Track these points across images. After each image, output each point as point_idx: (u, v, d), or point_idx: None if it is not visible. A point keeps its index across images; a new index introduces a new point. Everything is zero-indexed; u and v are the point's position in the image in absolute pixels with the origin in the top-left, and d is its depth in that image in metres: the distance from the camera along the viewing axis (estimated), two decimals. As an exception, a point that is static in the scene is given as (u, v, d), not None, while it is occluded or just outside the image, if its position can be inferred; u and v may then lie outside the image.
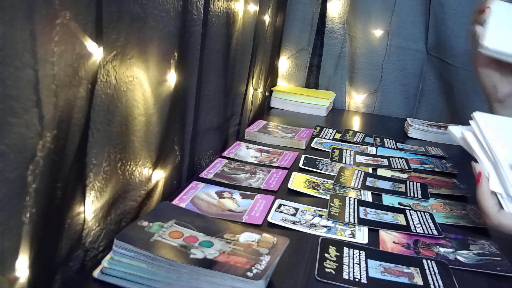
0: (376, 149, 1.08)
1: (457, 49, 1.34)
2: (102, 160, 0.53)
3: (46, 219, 0.42)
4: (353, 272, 0.55)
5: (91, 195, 0.52)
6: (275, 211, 0.69)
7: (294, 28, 1.49)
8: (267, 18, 1.19)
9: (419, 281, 0.55)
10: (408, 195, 0.81)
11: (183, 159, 0.78)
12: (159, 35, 0.60)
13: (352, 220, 0.69)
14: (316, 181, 0.83)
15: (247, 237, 0.52)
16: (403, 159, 1.00)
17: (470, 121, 0.68)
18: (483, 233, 0.70)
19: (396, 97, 1.49)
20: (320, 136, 1.15)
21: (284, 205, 0.72)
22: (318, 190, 0.79)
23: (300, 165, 0.90)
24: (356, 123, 1.41)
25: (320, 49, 1.53)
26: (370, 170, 0.93)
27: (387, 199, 0.79)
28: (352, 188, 0.82)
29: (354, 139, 1.14)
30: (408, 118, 1.34)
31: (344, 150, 1.03)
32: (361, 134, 1.19)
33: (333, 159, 0.97)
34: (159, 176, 0.69)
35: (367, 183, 0.84)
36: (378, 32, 1.45)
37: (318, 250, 0.60)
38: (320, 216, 0.70)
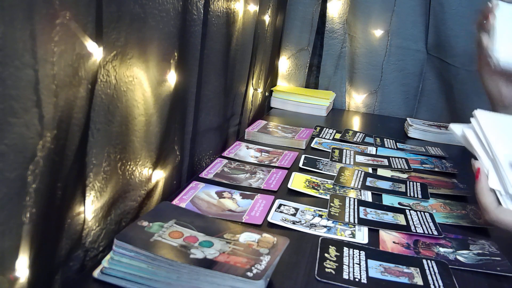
0: (376, 149, 1.08)
1: (457, 49, 1.34)
2: (102, 160, 0.53)
3: (46, 219, 0.42)
4: (353, 272, 0.55)
5: (91, 195, 0.52)
6: (275, 211, 0.69)
7: (294, 28, 1.49)
8: (267, 18, 1.19)
9: (419, 281, 0.55)
10: (408, 195, 0.81)
11: (183, 159, 0.78)
12: (159, 35, 0.60)
13: (352, 220, 0.69)
14: (316, 181, 0.83)
15: (247, 237, 0.52)
16: (403, 159, 1.00)
17: (471, 119, 0.68)
18: (483, 233, 0.70)
19: (396, 97, 1.49)
20: (320, 136, 1.15)
21: (284, 205, 0.72)
22: (318, 190, 0.79)
23: (300, 165, 0.90)
24: (356, 123, 1.41)
25: (320, 49, 1.53)
26: (370, 170, 0.93)
27: (387, 199, 0.79)
28: (352, 188, 0.82)
29: (354, 139, 1.14)
30: (408, 118, 1.34)
31: (344, 150, 1.03)
32: (361, 134, 1.19)
33: (333, 159, 0.97)
34: (159, 176, 0.69)
35: (367, 183, 0.84)
36: (378, 32, 1.45)
37: (318, 250, 0.60)
38: (320, 216, 0.70)
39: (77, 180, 0.49)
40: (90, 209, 0.52)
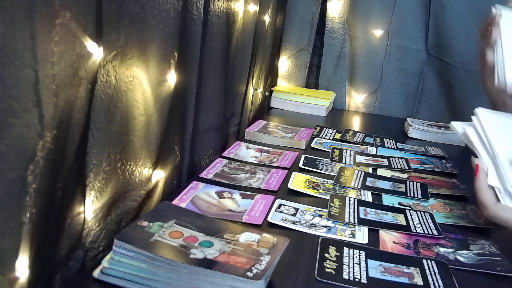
0: (376, 149, 1.08)
1: (457, 49, 1.34)
2: (102, 160, 0.53)
3: (46, 219, 0.42)
4: (353, 272, 0.55)
5: (91, 195, 0.52)
6: (275, 211, 0.69)
7: (294, 28, 1.49)
8: (267, 18, 1.19)
9: (419, 281, 0.55)
10: (408, 195, 0.81)
11: (183, 159, 0.78)
12: (159, 35, 0.60)
13: (352, 220, 0.69)
14: (316, 181, 0.83)
15: (247, 237, 0.52)
16: (403, 159, 1.00)
17: (472, 117, 0.68)
18: (483, 233, 0.70)
19: (396, 97, 1.49)
20: (320, 136, 1.15)
21: (284, 205, 0.72)
22: (318, 190, 0.79)
23: (300, 165, 0.90)
24: (356, 123, 1.41)
25: (320, 49, 1.53)
26: (370, 170, 0.93)
27: (387, 199, 0.79)
28: (352, 188, 0.82)
29: (354, 139, 1.14)
30: (408, 118, 1.34)
31: (344, 150, 1.03)
32: (361, 134, 1.19)
33: (333, 159, 0.97)
34: (159, 176, 0.69)
35: (367, 183, 0.84)
36: (378, 32, 1.45)
37: (318, 250, 0.60)
38: (320, 216, 0.70)
39: (77, 180, 0.49)
40: (90, 209, 0.52)
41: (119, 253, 0.47)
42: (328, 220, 0.68)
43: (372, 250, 0.61)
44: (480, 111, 0.68)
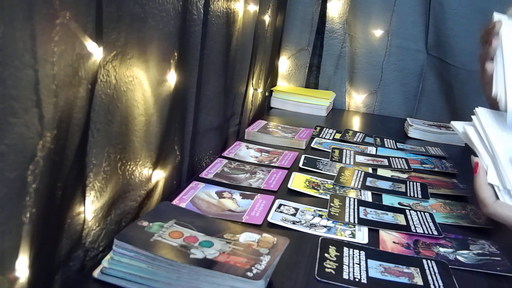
0: (376, 149, 1.08)
1: (457, 49, 1.35)
2: (102, 160, 0.53)
3: (46, 219, 0.42)
4: (353, 272, 0.55)
5: (91, 195, 0.52)
6: (275, 211, 0.69)
7: (294, 28, 1.49)
8: (267, 18, 1.19)
9: (419, 281, 0.55)
10: (408, 195, 0.81)
11: (183, 159, 0.78)
12: (159, 35, 0.60)
13: (352, 220, 0.69)
14: (316, 181, 0.83)
15: (247, 237, 0.52)
16: (403, 159, 1.00)
17: (472, 116, 0.69)
18: (483, 233, 0.70)
19: (396, 97, 1.49)
20: (320, 136, 1.15)
21: (284, 205, 0.72)
22: (318, 190, 0.79)
23: (300, 165, 0.90)
24: (356, 123, 1.41)
25: (320, 49, 1.53)
26: (370, 170, 0.93)
27: (387, 199, 0.79)
28: (352, 188, 0.82)
29: (354, 139, 1.14)
30: (408, 118, 1.34)
31: (344, 150, 1.03)
32: (361, 134, 1.19)
33: (333, 159, 0.97)
34: (159, 176, 0.69)
35: (367, 183, 0.84)
36: (378, 32, 1.45)
37: (318, 250, 0.60)
38: (320, 216, 0.70)
39: (77, 180, 0.49)
40: (90, 209, 0.52)
41: (119, 253, 0.47)
42: (328, 220, 0.68)
43: (372, 250, 0.61)
44: (480, 111, 0.68)
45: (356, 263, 0.57)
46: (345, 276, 0.54)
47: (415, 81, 1.47)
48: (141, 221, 0.52)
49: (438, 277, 0.56)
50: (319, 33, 1.51)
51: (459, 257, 0.62)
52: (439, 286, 0.54)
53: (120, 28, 0.51)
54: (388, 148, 1.10)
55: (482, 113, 0.68)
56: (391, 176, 0.91)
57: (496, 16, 0.70)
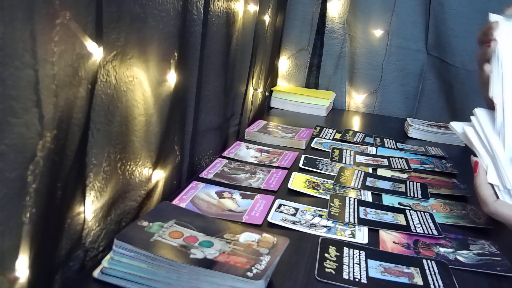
0: (376, 149, 1.08)
1: (457, 49, 1.34)
2: (102, 160, 0.53)
3: (46, 219, 0.42)
4: (353, 272, 0.55)
5: (91, 195, 0.52)
6: (275, 211, 0.69)
7: (294, 28, 1.49)
8: (267, 18, 1.19)
9: (419, 281, 0.55)
10: (408, 195, 0.81)
11: (183, 159, 0.78)
12: (159, 35, 0.60)
13: (352, 220, 0.69)
14: (316, 181, 0.83)
15: (247, 237, 0.52)
16: (403, 159, 1.00)
17: (471, 117, 0.69)
18: (483, 233, 0.70)
19: (396, 97, 1.49)
20: (320, 136, 1.15)
21: (284, 205, 0.72)
22: (318, 190, 0.79)
23: (300, 165, 0.90)
24: (356, 123, 1.41)
25: (320, 49, 1.53)
26: (370, 170, 0.93)
27: (387, 199, 0.79)
28: (352, 188, 0.82)
29: (354, 139, 1.14)
30: (408, 118, 1.34)
31: (344, 150, 1.03)
32: (361, 134, 1.19)
33: (333, 159, 0.97)
34: (159, 176, 0.69)
35: (367, 183, 0.84)
36: (378, 32, 1.45)
37: (318, 250, 0.60)
38: (320, 216, 0.70)
39: (77, 180, 0.49)
40: (90, 209, 0.52)
41: (119, 253, 0.47)
42: (328, 220, 0.68)
43: (372, 250, 0.61)
44: (479, 112, 0.68)
45: (356, 263, 0.57)
46: (345, 276, 0.54)
47: (415, 81, 1.47)
48: (141, 221, 0.52)
49: (438, 277, 0.56)
50: (319, 33, 1.51)
51: (459, 257, 0.62)
52: (439, 286, 0.54)
53: (120, 28, 0.51)
54: (388, 148, 1.10)
55: (481, 114, 0.68)
56: (391, 176, 0.91)
57: (493, 17, 0.70)
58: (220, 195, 0.73)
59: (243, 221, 0.66)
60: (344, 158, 0.97)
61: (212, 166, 0.85)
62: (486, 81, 0.69)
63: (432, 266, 0.58)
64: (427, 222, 0.70)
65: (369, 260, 0.58)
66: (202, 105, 0.84)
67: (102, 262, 0.49)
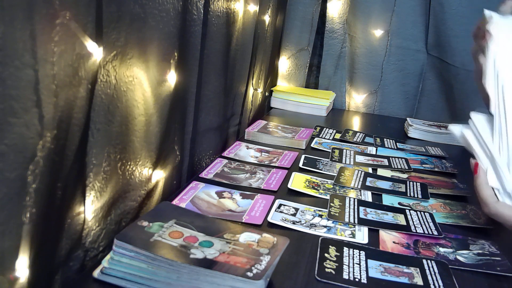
0: (376, 149, 1.08)
1: (457, 49, 1.34)
2: (102, 160, 0.53)
3: (46, 219, 0.42)
4: (353, 272, 0.55)
5: (91, 195, 0.52)
6: (275, 211, 0.69)
7: (294, 28, 1.49)
8: (267, 18, 1.19)
9: (419, 281, 0.55)
10: (408, 195, 0.81)
11: (183, 159, 0.78)
12: (159, 35, 0.60)
13: (352, 220, 0.69)
14: (316, 181, 0.83)
15: (247, 237, 0.52)
16: (403, 159, 1.00)
17: (469, 120, 0.69)
18: (483, 233, 0.70)
19: (396, 97, 1.49)
20: (320, 136, 1.15)
21: (284, 205, 0.72)
22: (318, 190, 0.79)
23: (300, 165, 0.90)
24: (356, 123, 1.41)
25: (320, 49, 1.53)
26: (370, 170, 0.93)
27: (387, 199, 0.79)
28: (352, 188, 0.82)
29: (354, 139, 1.14)
30: (408, 118, 1.34)
31: (344, 150, 1.03)
32: (361, 134, 1.19)
33: (333, 159, 0.97)
34: (159, 176, 0.69)
35: (367, 183, 0.84)
36: (378, 32, 1.45)
37: (318, 250, 0.60)
38: (320, 216, 0.70)
39: (77, 180, 0.49)
40: (90, 209, 0.52)
41: (119, 253, 0.47)
42: (328, 220, 0.68)
43: (372, 250, 0.61)
44: (475, 117, 0.68)
45: (356, 263, 0.57)
46: (345, 276, 0.54)
47: (415, 81, 1.47)
48: (141, 221, 0.52)
49: (438, 277, 0.56)
50: (319, 33, 1.51)
51: (459, 257, 0.62)
52: (439, 286, 0.54)
53: (120, 28, 0.51)
54: (388, 148, 1.10)
55: (477, 119, 0.68)
56: (391, 176, 0.91)
57: (487, 13, 0.71)
58: (220, 195, 0.73)
59: (243, 221, 0.66)
60: (344, 158, 0.97)
61: (212, 166, 0.85)
62: (481, 75, 0.70)
63: (432, 266, 0.58)
64: (427, 222, 0.70)
65: (369, 260, 0.58)
66: (202, 105, 0.84)
67: (102, 262, 0.49)
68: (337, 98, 1.54)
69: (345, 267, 0.56)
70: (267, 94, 1.41)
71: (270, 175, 0.84)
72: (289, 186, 0.79)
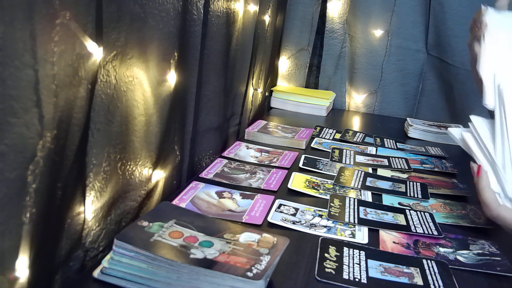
0: (376, 149, 1.08)
1: (457, 49, 1.34)
2: (102, 160, 0.53)
3: (46, 219, 0.42)
4: (353, 272, 0.55)
5: (91, 195, 0.52)
6: (275, 211, 0.69)
7: (294, 28, 1.49)
8: (267, 18, 1.19)
9: (419, 281, 0.55)
10: (408, 195, 0.81)
11: (183, 159, 0.78)
12: (159, 35, 0.60)
13: (352, 220, 0.69)
14: (316, 181, 0.83)
15: (247, 237, 0.52)
16: (403, 159, 1.00)
17: (469, 123, 0.69)
18: (483, 233, 0.70)
19: (396, 97, 1.49)
20: (320, 136, 1.15)
21: (284, 205, 0.72)
22: (318, 190, 0.79)
23: (300, 165, 0.90)
24: (356, 123, 1.41)
25: (320, 49, 1.53)
26: (370, 170, 0.93)
27: (387, 199, 0.79)
28: (352, 188, 0.82)
29: (354, 139, 1.14)
30: (408, 118, 1.34)
31: (344, 150, 1.03)
32: (361, 134, 1.19)
33: (333, 159, 0.97)
34: (159, 176, 0.69)
35: (367, 183, 0.84)
36: (378, 32, 1.45)
37: (318, 250, 0.60)
38: (320, 216, 0.70)
39: (77, 180, 0.49)
40: (90, 209, 0.52)
41: (119, 253, 0.47)
42: (328, 220, 0.68)
43: (372, 250, 0.61)
44: (475, 119, 0.68)
45: (356, 263, 0.57)
46: (345, 276, 0.54)
47: (415, 81, 1.47)
48: (141, 221, 0.52)
49: (438, 277, 0.56)
50: (319, 33, 1.51)
51: (459, 257, 0.62)
52: (439, 286, 0.54)
53: (120, 28, 0.51)
54: (388, 148, 1.10)
55: (477, 122, 0.68)
56: (391, 176, 0.91)
57: (484, 7, 0.72)
58: (220, 195, 0.73)
59: (243, 221, 0.66)
60: (344, 158, 0.97)
61: (212, 166, 0.85)
62: (475, 63, 0.71)
63: (432, 266, 0.58)
64: (427, 222, 0.70)
65: (369, 260, 0.58)
66: (202, 105, 0.84)
67: (102, 262, 0.49)
68: (337, 98, 1.54)
69: (345, 267, 0.56)
70: (267, 94, 1.41)
71: (270, 175, 0.84)
72: (289, 186, 0.79)
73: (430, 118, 1.39)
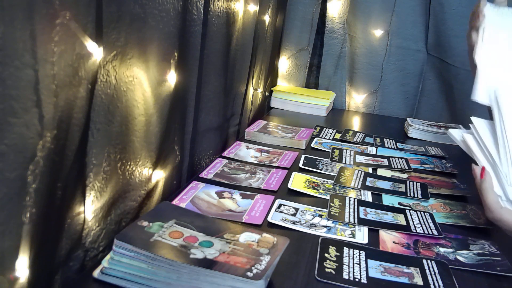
0: (376, 149, 1.08)
1: (457, 49, 1.34)
2: (102, 160, 0.53)
3: (46, 219, 0.42)
4: (353, 272, 0.55)
5: (91, 195, 0.52)
6: (275, 211, 0.69)
7: (294, 28, 1.49)
8: (267, 18, 1.19)
9: (419, 281, 0.55)
10: (408, 195, 0.81)
11: (183, 159, 0.78)
12: (159, 35, 0.60)
13: (352, 220, 0.69)
14: (316, 181, 0.83)
15: (247, 237, 0.52)
16: (403, 159, 1.00)
17: (470, 125, 0.69)
18: (483, 233, 0.70)
19: (396, 97, 1.49)
20: (320, 136, 1.15)
21: (284, 205, 0.72)
22: (318, 190, 0.79)
23: (300, 165, 0.90)
24: (356, 123, 1.41)
25: (320, 49, 1.53)
26: (370, 170, 0.93)
27: (387, 199, 0.79)
28: (352, 188, 0.82)
29: (354, 139, 1.14)
30: (408, 118, 1.34)
31: (344, 150, 1.03)
32: (361, 134, 1.19)
33: (333, 159, 0.97)
34: (159, 176, 0.69)
35: (367, 183, 0.84)
36: (378, 32, 1.45)
37: (318, 250, 0.60)
38: (320, 216, 0.70)
39: (77, 180, 0.49)
40: (90, 209, 0.52)
41: (119, 253, 0.47)
42: (328, 220, 0.68)
43: (372, 250, 0.61)
44: (476, 121, 0.68)
45: (356, 263, 0.57)
46: (345, 276, 0.54)
47: (415, 81, 1.47)
48: (141, 221, 0.52)
49: (438, 277, 0.56)
50: (319, 33, 1.51)
51: (459, 257, 0.62)
52: (439, 286, 0.54)
53: (120, 28, 0.51)
54: (388, 148, 1.10)
55: (478, 124, 0.68)
56: (391, 176, 0.91)
57: (483, 2, 0.73)
58: (220, 195, 0.73)
59: (243, 221, 0.66)
60: (344, 158, 0.97)
61: (212, 166, 0.85)
62: (472, 51, 0.73)
63: (432, 266, 0.58)
64: (427, 222, 0.70)
65: (369, 260, 0.58)
66: (202, 105, 0.84)
67: (102, 262, 0.49)
68: (337, 98, 1.54)
69: (345, 267, 0.56)
70: (267, 94, 1.41)
71: (270, 175, 0.84)
72: (289, 186, 0.79)
73: (430, 118, 1.39)
